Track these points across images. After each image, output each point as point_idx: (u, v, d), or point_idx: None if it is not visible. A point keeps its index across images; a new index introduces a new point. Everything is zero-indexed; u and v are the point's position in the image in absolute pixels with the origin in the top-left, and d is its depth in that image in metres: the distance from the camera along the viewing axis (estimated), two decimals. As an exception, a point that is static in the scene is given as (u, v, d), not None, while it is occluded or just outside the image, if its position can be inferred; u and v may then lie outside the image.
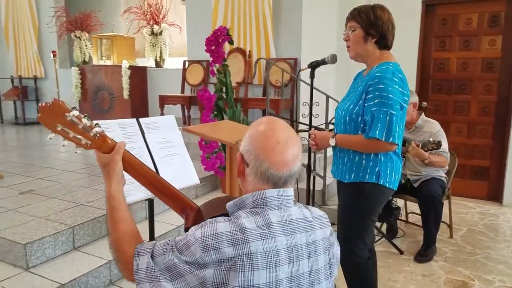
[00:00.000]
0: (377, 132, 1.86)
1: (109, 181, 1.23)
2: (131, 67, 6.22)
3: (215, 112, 3.67)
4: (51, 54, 7.08)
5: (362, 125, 1.95)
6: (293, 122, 4.38)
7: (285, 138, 1.12)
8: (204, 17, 5.74)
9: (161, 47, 6.50)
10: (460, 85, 4.87)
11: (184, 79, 5.97)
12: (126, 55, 6.67)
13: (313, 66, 2.32)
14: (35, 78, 7.71)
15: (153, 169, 1.88)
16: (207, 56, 5.68)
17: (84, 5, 7.33)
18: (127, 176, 1.29)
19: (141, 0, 6.99)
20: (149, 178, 1.33)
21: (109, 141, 1.25)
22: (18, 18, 7.78)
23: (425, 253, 3.26)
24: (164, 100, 5.72)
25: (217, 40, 3.47)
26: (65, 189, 3.54)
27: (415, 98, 3.34)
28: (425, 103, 4.61)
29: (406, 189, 3.42)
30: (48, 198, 3.30)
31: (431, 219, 3.23)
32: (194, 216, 1.32)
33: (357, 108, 1.96)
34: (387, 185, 1.98)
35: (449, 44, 4.88)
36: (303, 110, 4.24)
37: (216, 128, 2.40)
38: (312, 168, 3.57)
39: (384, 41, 1.98)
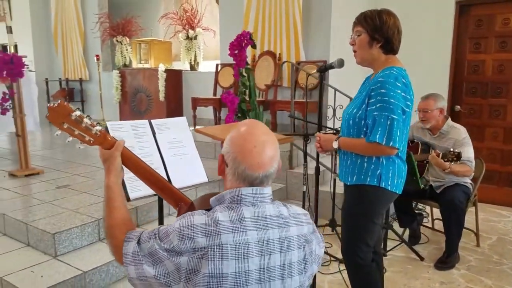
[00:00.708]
0: (377, 136, 1.88)
1: (108, 174, 1.37)
2: (167, 71, 6.48)
3: (239, 114, 3.77)
4: (95, 58, 7.47)
5: (364, 129, 1.98)
6: (319, 125, 4.41)
7: (262, 141, 1.20)
8: (236, 21, 5.87)
9: (195, 51, 6.71)
10: (496, 88, 4.71)
11: (216, 81, 6.13)
12: (163, 58, 6.94)
13: (322, 70, 2.37)
14: (81, 81, 8.18)
15: (162, 166, 2.01)
16: (239, 59, 5.87)
17: (126, 11, 7.70)
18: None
19: (179, 5, 7.24)
20: (145, 173, 1.47)
21: (109, 138, 1.40)
22: (66, 24, 8.28)
23: (446, 261, 3.19)
24: (196, 102, 5.90)
25: (240, 44, 3.58)
26: (97, 185, 3.77)
27: (442, 104, 3.26)
28: (458, 107, 4.52)
29: (428, 194, 3.37)
30: (80, 192, 3.53)
31: (453, 226, 3.16)
32: (186, 209, 1.42)
33: (360, 112, 2.00)
34: (388, 188, 2.00)
35: (485, 45, 4.72)
36: (330, 113, 4.26)
37: (228, 129, 2.49)
38: (333, 171, 3.61)
39: (389, 46, 2.00)
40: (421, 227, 3.72)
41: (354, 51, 2.08)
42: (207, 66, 6.87)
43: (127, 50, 7.39)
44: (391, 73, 1.93)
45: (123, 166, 1.43)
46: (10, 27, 4.10)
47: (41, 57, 8.76)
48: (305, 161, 2.79)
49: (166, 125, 2.15)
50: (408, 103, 1.93)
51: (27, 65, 8.55)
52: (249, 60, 5.81)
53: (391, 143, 1.88)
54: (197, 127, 2.41)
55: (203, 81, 6.44)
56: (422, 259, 3.30)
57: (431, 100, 3.25)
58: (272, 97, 5.52)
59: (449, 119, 3.33)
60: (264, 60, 5.70)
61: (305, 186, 3.01)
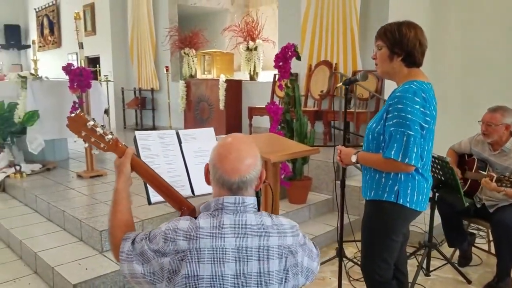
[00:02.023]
0: (392, 152, 1.85)
1: (118, 179, 1.53)
2: (227, 81, 6.73)
3: (282, 124, 3.84)
4: (165, 69, 7.98)
5: (383, 144, 1.95)
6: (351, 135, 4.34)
7: (238, 149, 1.29)
8: (294, 31, 5.94)
9: (255, 62, 6.89)
10: None
11: (273, 91, 6.24)
12: (225, 69, 7.21)
13: (346, 83, 2.36)
14: (152, 90, 8.75)
15: (185, 173, 2.15)
16: (297, 69, 5.95)
17: (194, 24, 8.12)
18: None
19: (241, 18, 7.48)
20: (152, 179, 1.62)
21: (120, 146, 1.56)
22: (141, 38, 8.94)
23: (496, 286, 2.96)
24: (252, 112, 6.06)
25: (285, 56, 3.65)
26: (150, 188, 4.03)
27: (510, 119, 2.94)
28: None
29: (481, 213, 3.15)
30: (133, 194, 3.80)
31: (504, 248, 2.92)
32: (188, 213, 1.55)
33: (379, 127, 1.97)
34: (407, 205, 1.94)
35: None
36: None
37: (257, 140, 2.57)
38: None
39: (411, 59, 1.95)
40: (476, 248, 3.49)
41: (376, 64, 2.07)
42: (266, 76, 7.02)
43: (193, 61, 7.79)
44: (410, 87, 1.89)
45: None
46: (82, 43, 4.58)
47: (118, 68, 9.53)
48: (344, 174, 2.73)
49: (193, 135, 2.28)
50: (428, 118, 1.87)
51: (107, 75, 9.39)
52: (305, 69, 5.89)
53: (406, 160, 1.83)
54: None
55: (262, 91, 6.58)
56: (469, 282, 3.09)
57: (499, 114, 2.95)
58: (327, 107, 5.51)
59: None
60: (320, 70, 5.70)
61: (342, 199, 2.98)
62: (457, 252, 3.44)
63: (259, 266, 1.23)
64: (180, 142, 2.24)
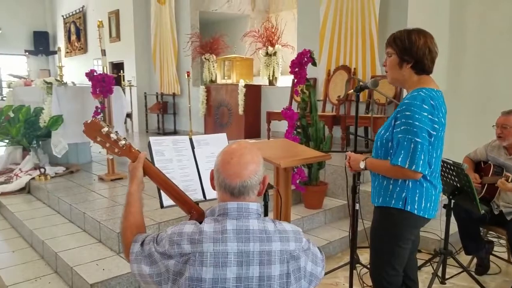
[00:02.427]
0: (400, 159, 1.85)
1: (131, 183, 1.60)
2: (246, 86, 6.79)
3: (298, 130, 3.86)
4: (186, 74, 8.09)
5: (391, 151, 1.95)
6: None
7: (240, 155, 1.34)
8: (313, 37, 5.96)
9: (274, 67, 6.93)
10: None
11: (292, 96, 6.26)
12: (245, 74, 7.28)
13: (357, 90, 2.38)
14: (174, 95, 8.91)
15: (198, 178, 2.21)
16: (316, 74, 5.97)
17: (215, 30, 8.24)
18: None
19: (263, 23, 7.55)
20: (162, 183, 1.67)
21: (133, 151, 1.63)
22: (163, 45, 9.12)
23: (514, 295, 2.91)
24: (270, 116, 6.10)
25: (300, 62, 3.68)
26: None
27: None
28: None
29: (498, 221, 3.09)
30: (151, 197, 3.88)
31: (520, 257, 2.88)
32: (197, 217, 1.60)
33: (387, 133, 1.98)
34: (415, 212, 1.94)
35: None
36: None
37: (266, 146, 2.62)
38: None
39: (420, 66, 1.95)
40: (495, 257, 3.42)
41: (386, 72, 2.08)
42: (285, 81, 7.05)
43: (213, 67, 7.90)
44: (419, 94, 1.89)
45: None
46: (104, 50, 4.72)
47: (142, 74, 9.74)
48: (355, 180, 2.74)
49: (206, 140, 2.34)
50: (436, 125, 1.87)
51: (130, 80, 9.60)
52: (324, 74, 5.90)
53: (413, 167, 1.83)
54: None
55: (281, 96, 6.62)
56: (485, 290, 3.04)
57: None
58: (345, 112, 5.50)
59: None
60: (339, 75, 5.70)
61: (358, 205, 2.98)
62: (475, 260, 3.38)
63: (261, 270, 1.27)
64: (193, 148, 2.31)
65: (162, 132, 8.89)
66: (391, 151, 1.95)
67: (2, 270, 3.08)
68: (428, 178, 1.94)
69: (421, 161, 1.84)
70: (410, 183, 1.94)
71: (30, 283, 2.90)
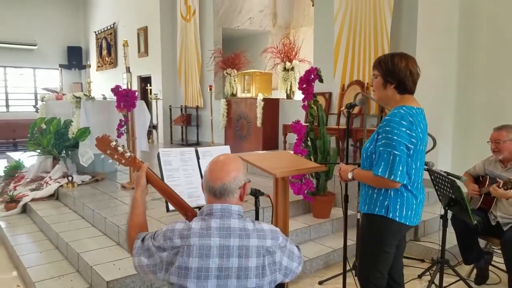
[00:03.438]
0: (380, 170, 2.03)
1: (136, 189, 1.85)
2: (264, 99, 7.04)
3: (307, 142, 4.05)
4: (209, 88, 8.45)
5: (374, 162, 2.13)
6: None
7: (221, 162, 1.60)
8: (328, 53, 6.17)
9: (291, 81, 7.16)
10: None
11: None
12: (264, 88, 7.54)
13: (348, 107, 2.57)
14: (197, 108, 9.25)
15: (201, 185, 2.44)
16: (331, 88, 6.16)
17: (236, 46, 8.56)
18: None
19: (282, 40, 7.81)
20: (163, 190, 1.92)
21: (137, 161, 1.89)
22: (188, 60, 9.51)
23: (510, 304, 2.98)
24: (286, 129, 6.31)
25: (308, 79, 3.89)
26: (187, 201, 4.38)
27: None
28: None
29: (495, 231, 3.19)
30: (174, 213, 4.18)
31: (512, 268, 2.95)
32: (192, 219, 1.84)
33: (371, 146, 2.16)
34: (397, 219, 2.10)
35: None
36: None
37: (268, 157, 2.82)
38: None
39: (402, 87, 2.13)
40: (495, 268, 3.48)
41: (373, 91, 2.26)
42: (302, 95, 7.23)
43: (234, 81, 8.20)
44: (399, 112, 2.07)
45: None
46: (129, 67, 5.06)
47: (167, 87, 10.17)
48: (346, 189, 2.91)
49: (210, 152, 2.59)
50: (414, 140, 2.04)
51: (156, 93, 10.03)
52: (338, 88, 6.08)
53: (392, 177, 2.01)
54: (241, 154, 2.73)
55: (297, 109, 6.78)
56: (484, 300, 3.12)
57: (504, 131, 3.14)
58: (359, 125, 5.65)
59: None
60: (352, 89, 5.86)
61: (359, 214, 3.13)
62: (475, 271, 3.45)
63: (239, 262, 1.49)
64: (198, 158, 2.56)
65: (185, 143, 9.23)
66: (374, 162, 2.13)
67: (30, 269, 3.39)
68: (409, 188, 2.11)
69: (399, 172, 2.01)
70: (391, 192, 2.11)
71: (54, 280, 3.19)
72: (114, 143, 1.88)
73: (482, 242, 3.42)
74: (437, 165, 4.19)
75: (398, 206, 2.11)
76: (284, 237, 1.66)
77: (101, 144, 1.89)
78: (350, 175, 2.28)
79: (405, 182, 2.05)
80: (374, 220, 2.16)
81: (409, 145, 2.03)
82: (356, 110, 5.71)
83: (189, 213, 1.88)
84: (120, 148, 1.88)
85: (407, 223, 2.14)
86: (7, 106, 13.71)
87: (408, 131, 2.03)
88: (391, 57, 2.16)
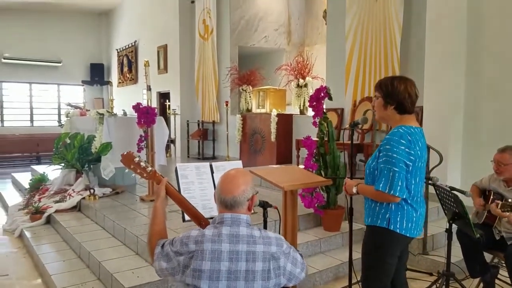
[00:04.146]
0: (380, 185, 2.19)
1: (156, 200, 2.05)
2: (278, 115, 7.24)
3: (316, 157, 4.21)
4: (225, 104, 8.70)
5: (377, 178, 2.28)
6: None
7: (232, 176, 1.79)
8: (340, 70, 6.35)
9: (304, 97, 7.34)
10: None
11: (320, 125, 6.62)
12: (278, 104, 7.75)
13: (352, 125, 2.73)
14: (213, 123, 9.51)
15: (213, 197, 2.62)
16: (343, 104, 6.32)
17: (252, 63, 8.82)
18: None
19: (295, 58, 8.03)
20: (179, 202, 2.11)
21: (157, 175, 2.09)
22: (206, 76, 9.82)
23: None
24: (299, 144, 6.47)
25: (318, 97, 4.06)
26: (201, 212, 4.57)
27: None
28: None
29: (500, 245, 3.27)
30: (188, 223, 4.37)
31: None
32: (205, 227, 2.02)
33: (374, 163, 2.32)
34: (397, 231, 2.24)
35: None
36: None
37: (277, 171, 2.99)
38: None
39: (402, 107, 2.29)
40: (502, 282, 3.55)
41: (374, 111, 2.43)
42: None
43: (249, 97, 8.43)
44: (398, 131, 2.23)
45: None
46: (149, 86, 5.32)
47: (185, 103, 10.48)
48: (351, 202, 3.05)
49: (223, 166, 2.77)
50: (412, 157, 2.19)
51: (175, 109, 10.32)
52: (350, 105, 6.23)
53: (392, 192, 2.16)
54: (252, 168, 2.88)
55: (311, 124, 6.95)
56: (490, 313, 3.19)
57: (507, 154, 3.18)
58: (369, 141, 5.77)
59: None
60: (363, 106, 6.01)
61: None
62: (482, 284, 3.52)
63: (247, 265, 1.67)
64: (212, 172, 2.74)
65: (201, 157, 9.46)
66: (376, 178, 2.28)
67: (54, 276, 3.61)
68: (409, 201, 2.25)
69: (399, 187, 2.16)
70: (392, 205, 2.25)
71: (77, 287, 3.40)
72: (137, 159, 2.09)
73: (488, 256, 3.50)
74: (447, 182, 4.30)
75: (399, 219, 2.25)
76: (288, 244, 1.82)
77: (126, 160, 2.11)
78: (354, 190, 2.43)
79: (404, 197, 2.20)
80: (376, 232, 2.30)
81: (408, 162, 2.18)
82: (367, 125, 5.84)
83: (203, 222, 2.06)
84: (142, 164, 2.09)
85: (408, 235, 2.27)
86: (32, 120, 14.24)
87: (406, 149, 2.18)
88: (391, 80, 2.32)
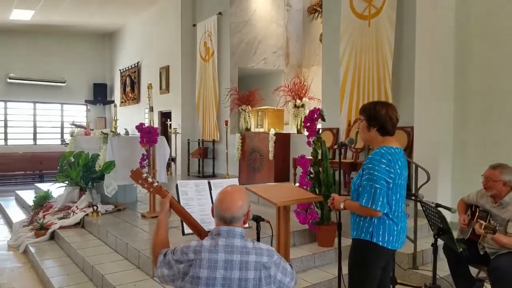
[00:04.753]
0: (363, 200, 2.40)
1: (161, 213, 2.26)
2: (276, 134, 7.47)
3: (311, 175, 4.41)
4: (224, 123, 8.94)
5: (361, 194, 2.49)
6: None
7: (231, 195, 1.98)
8: (335, 91, 6.61)
9: (301, 117, 7.58)
10: None
11: (317, 144, 6.83)
12: (276, 123, 7.98)
13: (339, 146, 2.95)
14: (213, 141, 9.73)
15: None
16: (338, 124, 6.55)
17: (251, 84, 9.10)
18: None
19: (293, 79, 8.31)
20: (182, 215, 2.31)
21: (163, 190, 2.30)
22: (206, 96, 10.09)
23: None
24: (296, 162, 6.66)
25: (312, 118, 4.29)
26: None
27: (508, 178, 3.34)
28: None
29: (485, 260, 3.43)
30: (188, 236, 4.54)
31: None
32: (204, 238, 2.22)
33: (358, 180, 2.53)
34: (380, 243, 2.44)
35: None
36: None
37: (272, 189, 3.20)
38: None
39: (383, 130, 2.52)
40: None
41: (359, 133, 2.65)
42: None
43: (248, 116, 8.68)
44: (380, 151, 2.45)
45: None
46: (152, 107, 5.57)
47: (186, 122, 10.73)
48: (340, 217, 3.25)
49: (221, 183, 2.98)
50: (392, 175, 2.40)
51: (176, 128, 10.54)
52: (345, 124, 6.46)
53: (373, 206, 2.36)
54: (248, 186, 3.06)
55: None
56: (475, 326, 3.34)
57: (498, 171, 3.35)
58: (363, 159, 5.97)
59: None
60: (357, 125, 6.22)
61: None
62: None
63: (240, 274, 1.86)
64: (210, 189, 2.95)
65: (201, 175, 9.65)
66: (360, 194, 2.48)
67: (59, 289, 3.79)
68: (390, 216, 2.45)
69: (380, 202, 2.37)
70: (375, 220, 2.45)
71: (81, 299, 3.57)
72: (145, 174, 2.31)
73: (474, 271, 3.67)
74: (437, 200, 4.47)
75: (381, 232, 2.44)
76: (279, 256, 2.02)
77: (135, 175, 2.32)
78: (342, 205, 2.63)
79: (386, 211, 2.40)
80: (360, 244, 2.50)
81: (388, 180, 2.39)
82: (360, 145, 6.05)
83: (202, 233, 2.26)
84: (149, 179, 2.30)
85: (390, 247, 2.46)
86: (35, 139, 14.49)
87: (387, 168, 2.40)
88: (374, 105, 2.56)
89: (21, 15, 11.77)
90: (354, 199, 2.56)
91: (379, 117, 2.50)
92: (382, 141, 2.53)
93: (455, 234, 3.65)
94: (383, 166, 2.39)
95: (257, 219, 2.39)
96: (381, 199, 2.37)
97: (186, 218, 2.31)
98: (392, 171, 2.41)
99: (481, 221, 3.21)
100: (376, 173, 2.38)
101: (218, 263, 1.85)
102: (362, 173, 2.49)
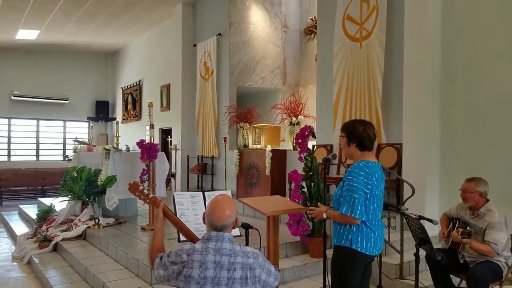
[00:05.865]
0: (343, 209, 2.64)
1: (156, 221, 2.50)
2: (272, 150, 7.71)
3: (303, 189, 4.65)
4: (223, 140, 9.20)
5: (341, 204, 2.73)
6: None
7: (222, 204, 2.23)
8: (329, 109, 6.89)
9: (297, 134, 7.83)
10: None
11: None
12: (272, 140, 8.25)
13: (323, 161, 3.20)
14: (212, 157, 9.98)
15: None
16: (332, 141, 6.81)
17: (249, 102, 9.40)
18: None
19: (289, 98, 8.61)
20: (175, 223, 2.54)
21: (157, 201, 2.54)
22: (206, 114, 10.39)
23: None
24: (290, 177, 6.89)
25: (303, 135, 4.55)
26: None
27: (483, 189, 3.59)
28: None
29: (463, 268, 3.64)
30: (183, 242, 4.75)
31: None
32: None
33: (339, 191, 2.78)
34: (358, 249, 2.66)
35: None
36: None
37: (263, 200, 3.43)
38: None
39: (362, 145, 2.78)
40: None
41: (341, 148, 2.91)
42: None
43: (246, 133, 8.96)
44: (358, 165, 2.71)
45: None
46: (153, 124, 5.84)
47: (186, 139, 11.00)
48: (324, 226, 3.48)
49: (215, 195, 3.20)
50: (369, 186, 2.65)
51: (176, 144, 10.78)
52: (338, 141, 6.71)
53: (352, 214, 2.60)
54: (241, 198, 3.28)
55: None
56: (456, 332, 3.52)
57: (473, 184, 3.62)
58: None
59: (489, 202, 3.64)
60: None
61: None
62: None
63: (228, 274, 2.09)
64: (204, 200, 3.19)
65: (201, 190, 9.85)
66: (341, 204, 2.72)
67: (62, 296, 3.99)
68: (368, 224, 2.68)
69: (358, 211, 2.60)
70: (354, 227, 2.68)
71: (83, 305, 3.77)
72: (141, 187, 2.55)
73: (456, 280, 3.87)
74: (425, 214, 4.68)
75: (359, 239, 2.67)
76: (264, 258, 2.25)
77: (132, 188, 2.57)
78: (325, 215, 2.87)
79: (364, 219, 2.63)
80: (341, 250, 2.73)
81: (366, 190, 2.64)
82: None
83: (195, 240, 2.49)
84: (145, 191, 2.55)
85: (368, 253, 2.69)
86: (38, 155, 14.75)
87: (365, 180, 2.64)
88: (352, 122, 2.83)
89: (27, 34, 12.18)
90: (335, 208, 2.80)
91: (357, 134, 2.76)
92: (361, 155, 2.78)
93: (440, 245, 3.90)
94: (361, 178, 2.64)
95: (246, 226, 2.62)
96: (359, 208, 2.60)
97: (179, 225, 2.55)
98: (370, 183, 2.65)
99: (459, 228, 3.44)
100: (355, 184, 2.63)
101: (209, 264, 2.08)
102: (343, 184, 2.73)
